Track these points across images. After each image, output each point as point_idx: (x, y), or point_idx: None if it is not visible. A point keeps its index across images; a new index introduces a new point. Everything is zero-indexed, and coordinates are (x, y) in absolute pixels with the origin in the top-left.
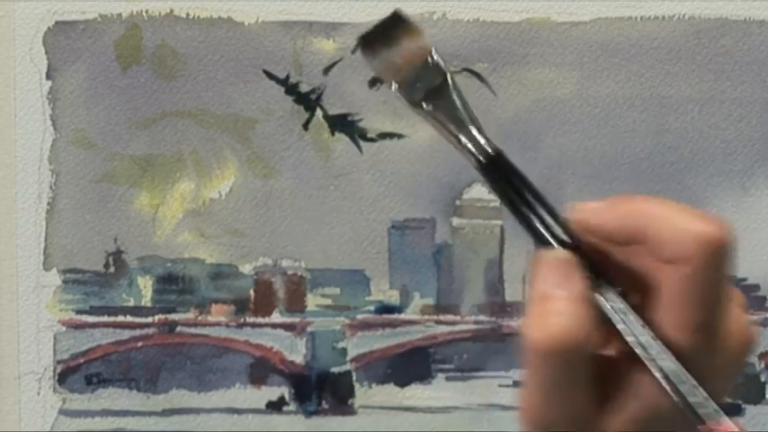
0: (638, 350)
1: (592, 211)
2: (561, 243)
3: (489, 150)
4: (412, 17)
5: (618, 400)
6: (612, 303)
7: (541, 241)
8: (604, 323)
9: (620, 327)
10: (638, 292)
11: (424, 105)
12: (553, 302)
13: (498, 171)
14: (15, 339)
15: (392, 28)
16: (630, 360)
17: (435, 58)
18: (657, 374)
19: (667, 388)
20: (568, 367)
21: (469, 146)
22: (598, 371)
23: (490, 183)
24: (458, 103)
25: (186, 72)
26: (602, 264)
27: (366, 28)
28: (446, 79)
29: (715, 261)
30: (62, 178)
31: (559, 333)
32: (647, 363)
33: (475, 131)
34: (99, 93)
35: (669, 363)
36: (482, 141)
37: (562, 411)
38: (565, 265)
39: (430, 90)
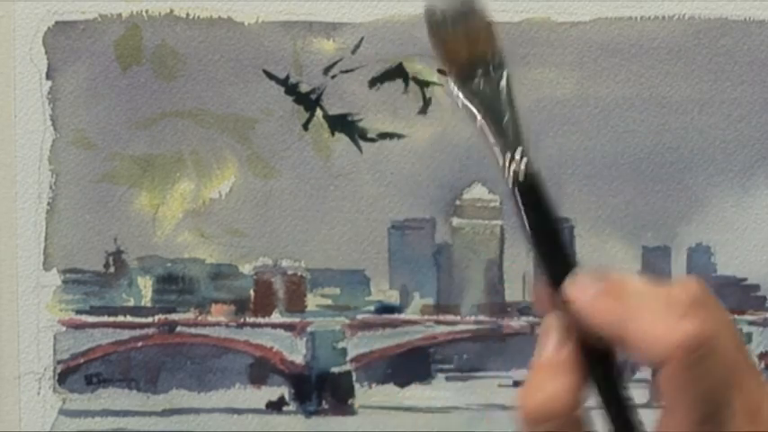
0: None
1: (580, 303)
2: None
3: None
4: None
5: None
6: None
7: (553, 280)
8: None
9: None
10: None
11: (474, 105)
12: (541, 373)
13: (529, 195)
14: (15, 339)
15: (466, 11)
16: None
17: (499, 50)
18: None
19: None
20: None
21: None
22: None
23: (521, 205)
24: (506, 114)
25: (186, 72)
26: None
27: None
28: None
29: (691, 363)
30: (62, 178)
31: (542, 405)
32: None
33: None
34: (99, 93)
35: None
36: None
37: None
38: (560, 333)
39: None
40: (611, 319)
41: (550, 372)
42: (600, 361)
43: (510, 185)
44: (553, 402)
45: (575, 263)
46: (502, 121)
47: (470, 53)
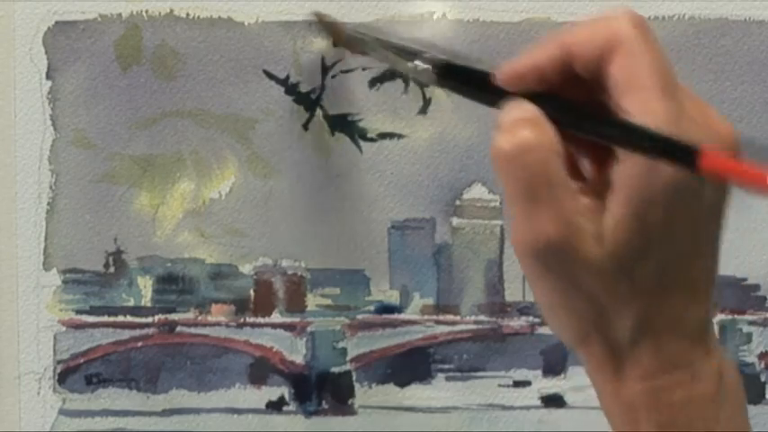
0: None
1: (517, 61)
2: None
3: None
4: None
5: (606, 195)
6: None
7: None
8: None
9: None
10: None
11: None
12: (519, 122)
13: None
14: (15, 339)
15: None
16: (608, 151)
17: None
18: (636, 134)
19: (646, 143)
20: (543, 169)
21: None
22: (579, 178)
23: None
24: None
25: (186, 72)
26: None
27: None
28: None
29: (642, 33)
30: (62, 178)
31: (527, 140)
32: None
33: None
34: (99, 93)
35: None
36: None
37: (549, 215)
38: (526, 103)
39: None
40: (549, 45)
41: (529, 120)
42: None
43: (433, 74)
44: (539, 139)
45: None
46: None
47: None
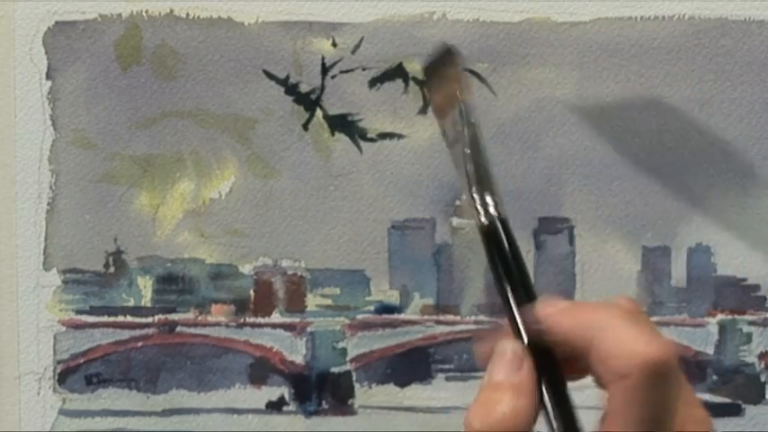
0: None
1: (550, 313)
2: (520, 334)
3: (494, 214)
4: (459, 56)
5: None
6: (556, 401)
7: (509, 320)
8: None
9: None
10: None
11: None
12: (498, 392)
13: (494, 239)
14: (15, 339)
15: (444, 62)
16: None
17: (462, 108)
18: None
19: None
20: None
21: (477, 204)
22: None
23: (485, 247)
24: (475, 160)
25: (186, 72)
26: (555, 365)
27: (426, 60)
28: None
29: (653, 382)
30: (62, 178)
31: (500, 424)
32: None
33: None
34: (99, 93)
35: None
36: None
37: None
38: (517, 356)
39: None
40: (582, 327)
41: (509, 391)
42: (554, 383)
43: (477, 228)
44: (513, 420)
45: (536, 295)
46: (465, 163)
47: (446, 93)
